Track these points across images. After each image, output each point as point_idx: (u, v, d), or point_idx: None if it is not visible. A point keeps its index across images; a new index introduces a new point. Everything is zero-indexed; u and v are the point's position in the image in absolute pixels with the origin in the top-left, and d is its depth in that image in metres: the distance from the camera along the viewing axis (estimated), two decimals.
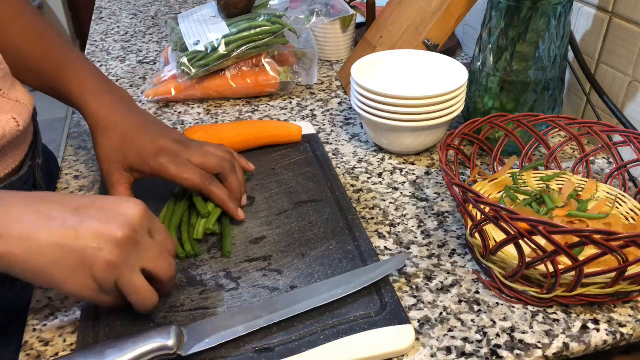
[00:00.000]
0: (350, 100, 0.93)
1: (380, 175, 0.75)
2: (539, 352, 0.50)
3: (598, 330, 0.52)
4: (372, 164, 0.78)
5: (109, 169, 0.62)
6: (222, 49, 0.89)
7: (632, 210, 0.63)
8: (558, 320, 0.53)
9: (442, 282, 0.58)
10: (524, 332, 0.52)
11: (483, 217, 0.52)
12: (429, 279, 0.58)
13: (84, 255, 0.45)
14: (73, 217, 0.47)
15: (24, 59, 0.68)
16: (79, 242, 0.45)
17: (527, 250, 0.52)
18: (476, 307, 0.55)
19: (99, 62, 1.10)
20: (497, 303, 0.55)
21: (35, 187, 0.71)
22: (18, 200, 0.48)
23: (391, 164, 0.78)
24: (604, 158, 0.78)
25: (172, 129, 0.67)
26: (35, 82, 0.69)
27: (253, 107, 0.93)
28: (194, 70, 0.90)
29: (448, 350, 0.51)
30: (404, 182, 0.74)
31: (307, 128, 0.83)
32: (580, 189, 0.67)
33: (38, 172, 0.72)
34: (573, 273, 0.50)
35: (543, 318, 0.54)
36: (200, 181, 0.62)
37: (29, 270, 0.45)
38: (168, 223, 0.63)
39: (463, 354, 0.50)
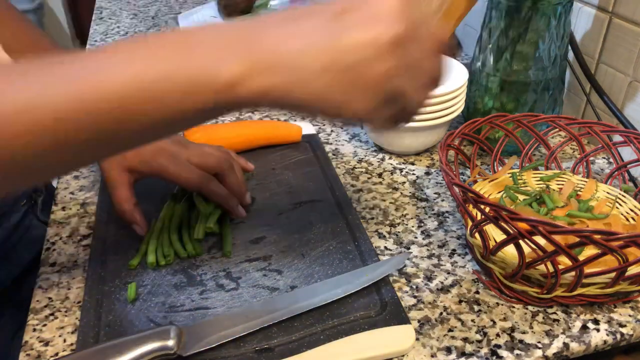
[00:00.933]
0: None
1: (380, 175, 0.75)
2: (539, 352, 0.50)
3: (598, 330, 0.52)
4: (372, 164, 0.78)
5: (109, 170, 0.62)
6: None
7: (632, 210, 0.63)
8: (558, 320, 0.53)
9: (442, 282, 0.58)
10: (524, 332, 0.52)
11: (483, 217, 0.52)
12: (429, 279, 0.58)
13: (357, 72, 0.38)
14: (333, 29, 0.39)
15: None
16: (347, 59, 0.38)
17: (527, 250, 0.52)
18: (476, 307, 0.55)
19: None
20: (497, 303, 0.55)
21: (35, 192, 0.71)
22: (271, 22, 0.40)
23: (391, 164, 0.78)
24: (604, 158, 0.78)
25: None
26: None
27: None
28: None
29: (448, 350, 0.51)
30: (404, 182, 0.74)
31: (307, 128, 0.83)
32: (579, 189, 0.67)
33: None
34: (573, 273, 0.50)
35: (543, 318, 0.54)
36: (200, 180, 0.62)
37: (302, 100, 0.39)
38: (168, 223, 0.63)
39: (463, 354, 0.50)
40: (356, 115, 0.40)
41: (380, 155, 0.80)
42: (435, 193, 0.72)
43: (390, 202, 0.70)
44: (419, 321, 0.54)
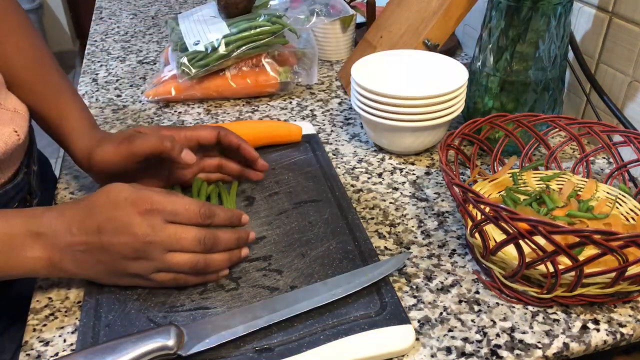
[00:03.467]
0: (350, 100, 0.93)
1: (380, 175, 0.75)
2: (539, 352, 0.50)
3: (598, 330, 0.52)
4: (372, 164, 0.78)
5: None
6: (222, 49, 0.89)
7: (632, 210, 0.63)
8: (558, 320, 0.53)
9: (442, 282, 0.58)
10: (524, 332, 0.52)
11: (483, 217, 0.52)
12: (429, 279, 0.58)
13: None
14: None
15: (15, 75, 0.68)
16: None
17: (527, 250, 0.52)
18: (476, 307, 0.55)
19: (99, 62, 1.10)
20: (497, 303, 0.55)
21: (30, 194, 0.71)
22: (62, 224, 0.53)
23: (391, 164, 0.78)
24: (604, 158, 0.78)
25: None
26: (22, 99, 0.69)
27: (253, 107, 0.93)
28: (194, 70, 0.90)
29: (448, 350, 0.51)
30: (404, 182, 0.74)
31: (307, 128, 0.83)
32: (579, 189, 0.67)
33: (33, 179, 0.72)
34: (573, 273, 0.50)
35: (543, 318, 0.54)
36: (213, 130, 0.67)
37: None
38: None
39: (463, 354, 0.50)
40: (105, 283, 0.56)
41: (380, 155, 0.80)
42: (435, 193, 0.72)
43: (390, 202, 0.70)
44: (419, 321, 0.54)
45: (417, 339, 0.52)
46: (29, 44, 0.70)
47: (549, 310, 0.54)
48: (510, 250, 0.54)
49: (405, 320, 0.52)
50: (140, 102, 0.95)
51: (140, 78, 1.03)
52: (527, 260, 0.51)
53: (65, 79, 0.72)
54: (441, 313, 0.54)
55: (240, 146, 0.67)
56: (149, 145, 0.61)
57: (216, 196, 0.68)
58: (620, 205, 0.65)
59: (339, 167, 0.77)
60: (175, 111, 0.92)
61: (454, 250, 0.62)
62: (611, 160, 0.76)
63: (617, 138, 0.68)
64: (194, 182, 0.67)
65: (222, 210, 0.57)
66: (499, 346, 0.51)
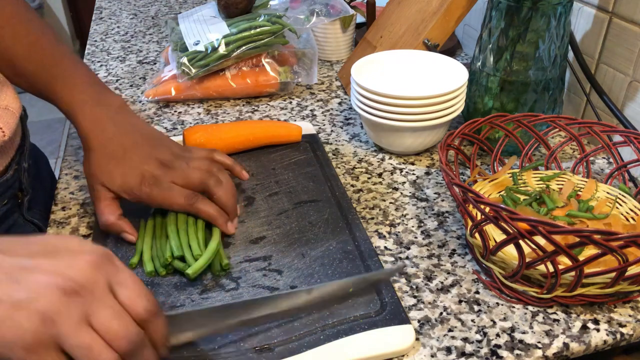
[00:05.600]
0: (350, 100, 0.93)
1: (380, 175, 0.75)
2: (539, 352, 0.50)
3: (598, 330, 0.52)
4: (372, 164, 0.78)
5: (95, 186, 0.63)
6: (222, 49, 0.89)
7: (632, 210, 0.63)
8: (558, 320, 0.53)
9: (442, 282, 0.58)
10: (524, 332, 0.52)
11: (483, 217, 0.52)
12: (429, 279, 0.58)
13: (18, 305, 0.38)
14: (20, 270, 0.40)
15: (15, 64, 0.67)
16: (17, 294, 0.38)
17: (527, 250, 0.52)
18: (476, 307, 0.55)
19: (99, 62, 1.10)
20: (497, 303, 0.55)
21: (21, 191, 0.71)
22: None
23: (391, 164, 0.78)
24: (604, 158, 0.78)
25: (159, 143, 0.65)
26: (26, 86, 0.69)
27: (253, 107, 0.93)
28: (194, 70, 0.90)
29: (448, 350, 0.51)
30: (404, 182, 0.74)
31: (307, 128, 0.83)
32: (579, 189, 0.67)
33: (24, 175, 0.72)
34: (573, 273, 0.50)
35: (543, 318, 0.54)
36: (186, 202, 0.61)
37: None
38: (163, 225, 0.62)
39: (463, 354, 0.50)
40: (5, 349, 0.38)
41: (380, 155, 0.80)
42: (435, 193, 0.72)
43: (390, 202, 0.70)
44: (419, 321, 0.54)
45: (417, 339, 0.52)
46: (25, 31, 0.68)
47: (549, 310, 0.54)
48: (510, 250, 0.54)
49: (405, 320, 0.52)
50: (140, 102, 0.95)
51: (140, 78, 1.03)
52: (527, 260, 0.51)
53: (63, 57, 0.69)
54: (441, 313, 0.54)
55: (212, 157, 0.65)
56: None
57: (193, 223, 0.63)
58: (620, 205, 0.65)
59: (339, 167, 0.77)
60: (175, 111, 0.92)
61: (454, 250, 0.62)
62: (611, 160, 0.76)
63: (617, 138, 0.68)
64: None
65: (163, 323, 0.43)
66: (499, 346, 0.51)
